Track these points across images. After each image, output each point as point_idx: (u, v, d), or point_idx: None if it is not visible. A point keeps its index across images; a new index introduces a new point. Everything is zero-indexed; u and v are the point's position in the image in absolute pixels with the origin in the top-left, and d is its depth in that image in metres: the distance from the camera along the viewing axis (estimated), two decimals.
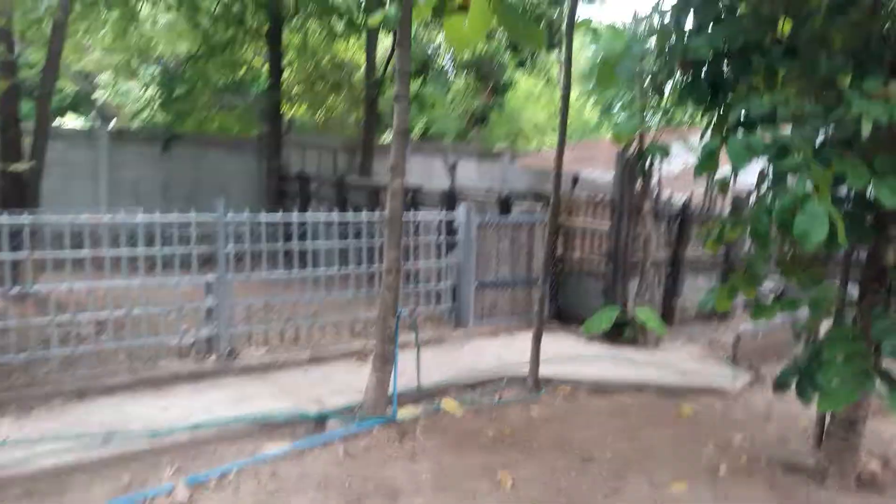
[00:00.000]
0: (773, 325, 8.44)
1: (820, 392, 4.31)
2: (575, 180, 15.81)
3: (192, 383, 6.08)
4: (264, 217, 7.02)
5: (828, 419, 5.07)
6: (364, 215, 7.67)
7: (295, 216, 7.33)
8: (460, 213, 8.50)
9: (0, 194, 8.87)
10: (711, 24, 4.79)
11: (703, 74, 4.91)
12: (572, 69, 6.86)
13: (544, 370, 6.71)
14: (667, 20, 5.25)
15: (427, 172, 16.31)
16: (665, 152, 7.93)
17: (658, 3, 5.54)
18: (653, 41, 5.52)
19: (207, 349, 6.61)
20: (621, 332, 8.35)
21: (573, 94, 30.99)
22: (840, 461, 4.85)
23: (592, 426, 5.84)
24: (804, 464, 5.11)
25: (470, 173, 17.83)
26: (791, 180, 4.06)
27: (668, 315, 9.38)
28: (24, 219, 5.78)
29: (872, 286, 4.71)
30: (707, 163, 4.34)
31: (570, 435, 5.62)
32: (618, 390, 6.79)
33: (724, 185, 4.99)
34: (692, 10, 4.96)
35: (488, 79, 15.41)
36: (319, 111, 17.56)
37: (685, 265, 9.81)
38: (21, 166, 8.68)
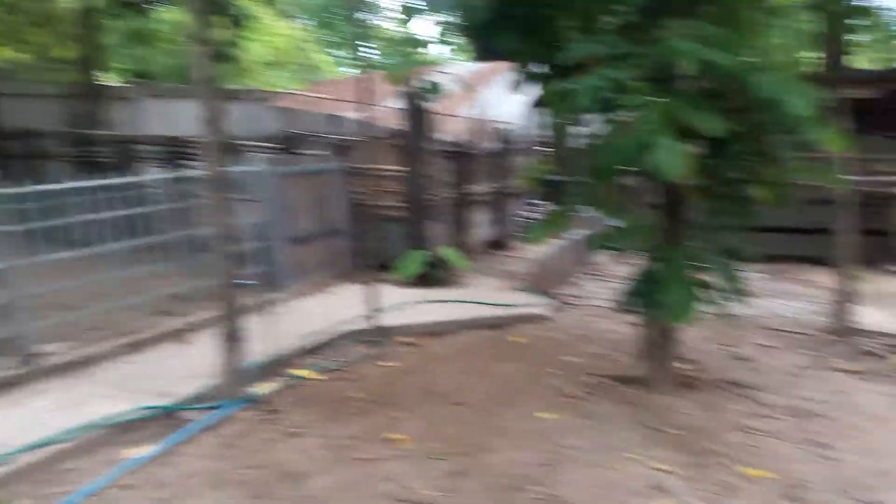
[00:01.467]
0: (552, 252, 9.44)
1: (665, 309, 5.01)
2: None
3: (3, 394, 5.10)
4: (34, 188, 5.85)
5: (647, 332, 5.83)
6: (160, 175, 6.84)
7: (73, 184, 6.26)
8: (259, 165, 7.96)
9: None
10: None
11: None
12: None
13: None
14: None
15: (172, 120, 14.85)
16: (440, 91, 8.34)
17: None
18: None
19: (3, 351, 5.54)
20: (427, 275, 8.68)
21: (298, 31, 30.05)
22: (662, 368, 5.70)
23: (449, 371, 6.08)
24: (636, 375, 5.85)
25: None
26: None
27: (462, 252, 9.91)
28: None
29: (675, 214, 5.45)
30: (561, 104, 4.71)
31: (432, 384, 5.80)
32: (452, 331, 7.13)
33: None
34: None
35: (225, 11, 14.29)
36: (27, 51, 14.85)
37: (468, 202, 10.40)
38: None
